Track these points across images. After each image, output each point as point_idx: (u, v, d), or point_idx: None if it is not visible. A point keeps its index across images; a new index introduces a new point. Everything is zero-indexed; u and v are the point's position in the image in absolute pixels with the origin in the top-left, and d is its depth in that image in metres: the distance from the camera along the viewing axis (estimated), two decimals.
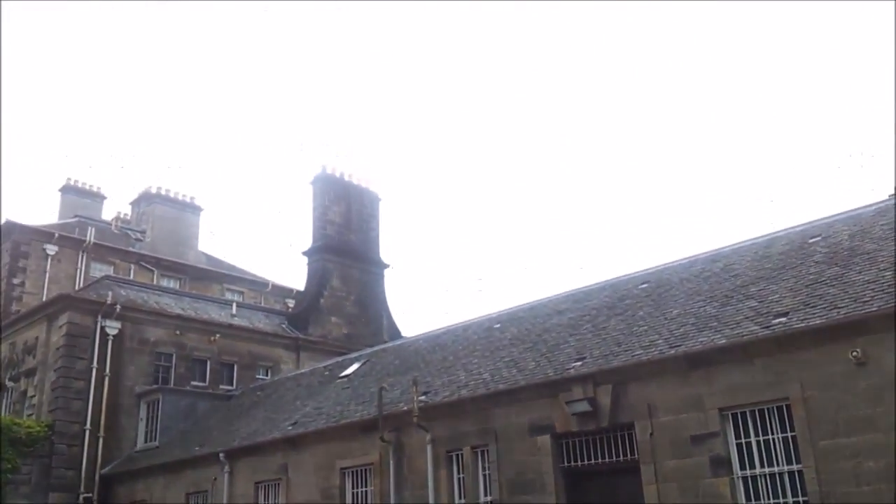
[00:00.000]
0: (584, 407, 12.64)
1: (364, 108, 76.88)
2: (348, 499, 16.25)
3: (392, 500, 15.10)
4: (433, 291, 65.27)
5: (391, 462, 15.32)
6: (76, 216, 35.31)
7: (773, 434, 10.91)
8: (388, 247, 70.11)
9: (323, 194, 29.61)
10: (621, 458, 12.39)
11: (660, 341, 12.78)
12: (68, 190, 37.49)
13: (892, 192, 14.41)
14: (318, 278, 28.89)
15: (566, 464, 13.04)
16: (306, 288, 29.69)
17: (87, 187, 38.07)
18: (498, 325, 18.47)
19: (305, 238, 30.88)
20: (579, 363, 13.46)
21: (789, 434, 10.73)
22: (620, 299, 16.00)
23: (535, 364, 14.56)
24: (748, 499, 10.89)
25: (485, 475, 14.04)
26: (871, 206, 14.18)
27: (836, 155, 51.60)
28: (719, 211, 55.39)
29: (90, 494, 21.73)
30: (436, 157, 74.51)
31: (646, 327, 13.72)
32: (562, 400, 12.96)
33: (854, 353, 10.22)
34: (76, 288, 28.25)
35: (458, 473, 14.46)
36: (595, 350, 13.77)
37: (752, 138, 60.28)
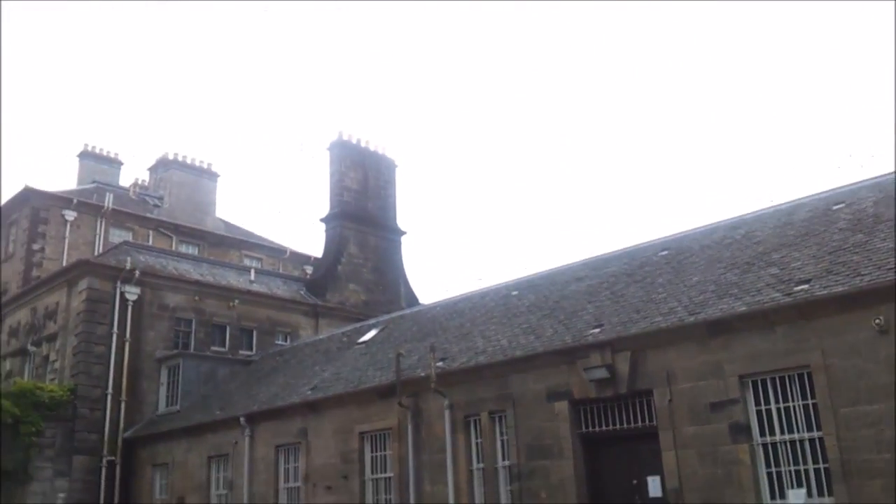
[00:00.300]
0: (602, 374, 12.66)
1: (379, 73, 76.34)
2: (367, 462, 16.46)
3: (410, 464, 15.27)
4: (450, 258, 65.31)
5: (409, 427, 15.46)
6: (94, 182, 35.44)
7: (793, 401, 10.87)
8: (405, 214, 70.04)
9: (339, 160, 29.49)
10: (639, 424, 12.42)
11: (679, 308, 12.71)
12: (86, 156, 37.54)
13: None
14: (335, 245, 28.94)
15: (584, 430, 13.09)
16: (324, 255, 29.77)
17: (105, 153, 38.10)
18: (515, 293, 18.43)
19: (323, 205, 30.90)
20: (597, 330, 13.44)
21: (810, 401, 10.70)
22: (640, 266, 15.89)
23: (553, 331, 14.55)
24: (768, 465, 10.91)
25: (502, 440, 14.13)
26: None
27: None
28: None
29: (113, 457, 22.07)
30: (451, 122, 74.01)
31: (665, 294, 13.63)
32: (580, 366, 12.97)
33: (877, 321, 10.12)
34: (95, 254, 28.44)
35: (476, 438, 14.56)
36: (613, 317, 13.72)
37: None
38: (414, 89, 75.56)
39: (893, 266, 10.55)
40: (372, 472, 16.36)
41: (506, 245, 64.02)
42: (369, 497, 16.24)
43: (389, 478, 15.90)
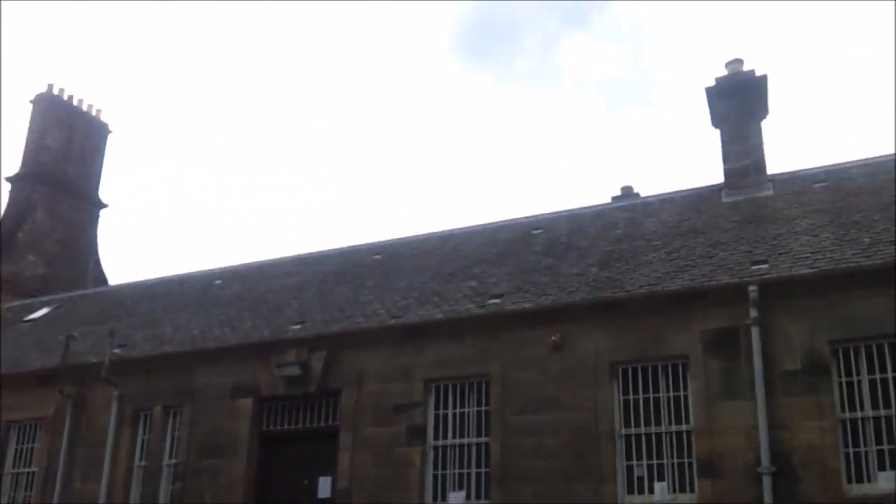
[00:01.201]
0: (294, 371, 12.31)
1: (104, 35, 69.51)
2: (9, 456, 14.35)
3: (62, 459, 13.51)
4: (159, 241, 60.36)
5: (68, 418, 13.83)
6: None
7: (469, 407, 11.27)
8: (112, 186, 63.80)
9: (43, 116, 25.65)
10: (322, 423, 12.18)
11: (382, 311, 12.73)
12: None
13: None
14: (19, 210, 24.99)
15: (266, 428, 12.61)
16: (3, 219, 25.66)
17: None
18: (219, 282, 17.36)
19: (16, 163, 26.63)
20: (298, 326, 13.07)
21: (484, 408, 11.14)
22: (352, 267, 15.73)
23: (252, 324, 13.92)
24: (436, 468, 11.15)
25: (174, 436, 13.12)
26: (591, 207, 15.18)
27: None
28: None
29: None
30: (178, 94, 69.33)
31: (371, 297, 13.59)
32: (273, 363, 12.49)
33: (553, 338, 10.80)
34: None
35: (145, 434, 13.35)
36: (317, 315, 13.43)
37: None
38: (142, 59, 69.85)
39: (575, 289, 11.37)
40: (14, 467, 14.24)
41: (222, 234, 60.80)
42: (6, 494, 14.10)
43: (34, 473, 13.87)
